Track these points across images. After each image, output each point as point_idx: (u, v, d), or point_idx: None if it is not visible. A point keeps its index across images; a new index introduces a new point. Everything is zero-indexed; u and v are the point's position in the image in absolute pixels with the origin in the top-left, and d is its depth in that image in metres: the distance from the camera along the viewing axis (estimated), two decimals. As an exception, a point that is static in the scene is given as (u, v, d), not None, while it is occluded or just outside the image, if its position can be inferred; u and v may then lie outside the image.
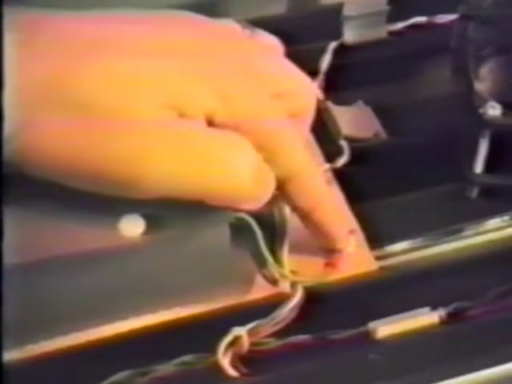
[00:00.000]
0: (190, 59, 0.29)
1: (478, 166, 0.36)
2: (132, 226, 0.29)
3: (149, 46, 0.29)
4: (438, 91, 0.41)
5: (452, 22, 0.44)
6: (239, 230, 0.34)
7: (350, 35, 0.45)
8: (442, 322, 0.31)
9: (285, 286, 0.33)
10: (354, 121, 0.40)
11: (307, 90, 0.33)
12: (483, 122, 0.36)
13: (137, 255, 0.30)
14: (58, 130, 0.27)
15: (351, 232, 0.34)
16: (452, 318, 0.32)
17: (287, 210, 0.35)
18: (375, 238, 0.34)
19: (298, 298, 0.32)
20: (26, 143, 0.27)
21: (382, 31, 0.45)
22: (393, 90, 0.42)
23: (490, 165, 0.36)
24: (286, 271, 0.33)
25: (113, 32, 0.29)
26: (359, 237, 0.34)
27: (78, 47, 0.28)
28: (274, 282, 0.33)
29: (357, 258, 0.34)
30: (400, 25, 0.45)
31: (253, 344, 0.31)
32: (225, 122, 0.29)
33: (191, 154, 0.28)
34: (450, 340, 0.31)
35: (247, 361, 0.30)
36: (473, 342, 0.31)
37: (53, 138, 0.27)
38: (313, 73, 0.42)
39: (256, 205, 0.31)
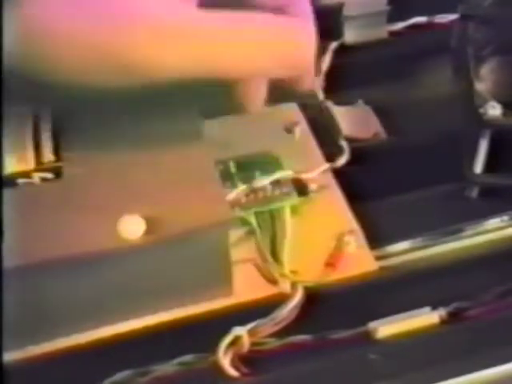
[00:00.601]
0: None
1: (478, 166, 0.36)
2: (132, 227, 0.29)
3: None
4: (438, 91, 0.41)
5: (452, 22, 0.44)
6: (239, 230, 0.34)
7: (350, 35, 0.45)
8: (443, 322, 0.31)
9: (285, 286, 0.33)
10: (354, 121, 0.40)
11: None
12: (483, 122, 0.36)
13: (137, 256, 0.30)
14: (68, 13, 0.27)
15: (351, 232, 0.34)
16: (452, 317, 0.32)
17: (287, 210, 0.35)
18: (375, 238, 0.34)
19: (298, 297, 0.32)
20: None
21: (382, 31, 0.45)
22: (393, 90, 0.42)
23: (490, 165, 0.36)
24: (286, 271, 0.33)
25: None
26: (359, 237, 0.34)
27: None
28: (274, 281, 0.33)
29: (357, 258, 0.34)
30: (400, 25, 0.45)
31: (253, 344, 0.31)
32: None
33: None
34: (450, 340, 0.31)
35: (247, 361, 0.30)
36: (473, 342, 0.31)
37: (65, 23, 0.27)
38: (313, 73, 0.42)
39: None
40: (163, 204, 0.30)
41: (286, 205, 0.35)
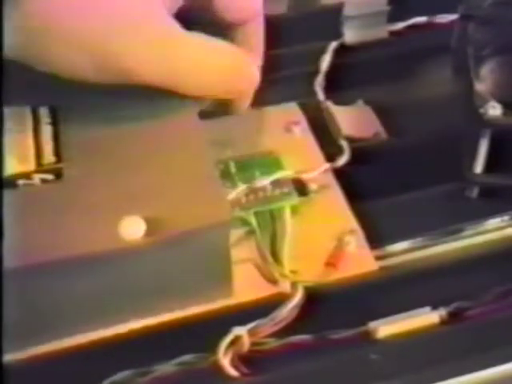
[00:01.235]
0: None
1: (478, 166, 0.36)
2: (133, 229, 0.29)
3: None
4: (438, 91, 0.41)
5: (452, 21, 0.44)
6: (239, 230, 0.34)
7: (350, 35, 0.45)
8: (443, 322, 0.31)
9: (285, 286, 0.33)
10: (354, 121, 0.40)
11: None
12: (483, 122, 0.36)
13: (137, 257, 0.30)
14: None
15: (351, 232, 0.34)
16: (452, 317, 0.32)
17: (287, 210, 0.35)
18: (375, 238, 0.34)
19: (298, 297, 0.32)
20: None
21: (382, 31, 0.45)
22: (393, 90, 0.42)
23: (490, 165, 0.36)
24: (286, 271, 0.33)
25: None
26: (359, 237, 0.35)
27: None
28: (274, 281, 0.33)
29: (357, 258, 0.34)
30: (400, 25, 0.45)
31: (253, 344, 0.31)
32: None
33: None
34: (450, 340, 0.31)
35: (247, 361, 0.30)
36: (473, 342, 0.31)
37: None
38: (313, 73, 0.42)
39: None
40: (163, 205, 0.30)
41: (286, 205, 0.35)
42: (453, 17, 0.44)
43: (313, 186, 0.37)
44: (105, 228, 0.29)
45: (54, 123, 0.32)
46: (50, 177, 0.31)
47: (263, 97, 0.35)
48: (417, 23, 0.45)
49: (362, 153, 0.38)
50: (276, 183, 0.36)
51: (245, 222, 0.35)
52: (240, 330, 0.31)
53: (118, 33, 0.30)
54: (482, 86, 0.37)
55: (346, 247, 0.34)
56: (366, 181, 0.37)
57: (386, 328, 0.31)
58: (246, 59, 0.33)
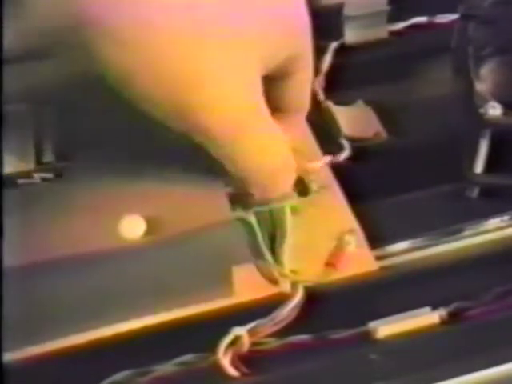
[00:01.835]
0: None
1: (478, 166, 0.36)
2: (133, 228, 0.29)
3: None
4: (438, 91, 0.41)
5: (452, 21, 0.44)
6: (239, 230, 0.34)
7: (350, 35, 0.45)
8: (443, 322, 0.31)
9: (285, 286, 0.33)
10: (354, 121, 0.40)
11: None
12: (484, 122, 0.36)
13: (137, 256, 0.30)
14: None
15: (351, 232, 0.34)
16: (452, 317, 0.32)
17: (287, 210, 0.35)
18: (375, 238, 0.34)
19: (298, 297, 0.32)
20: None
21: (382, 31, 0.45)
22: (393, 90, 0.42)
23: (490, 165, 0.36)
24: (286, 271, 0.33)
25: None
26: (359, 237, 0.34)
27: None
28: (274, 281, 0.33)
29: (357, 258, 0.34)
30: (400, 25, 0.45)
31: (253, 344, 0.31)
32: None
33: None
34: (450, 340, 0.31)
35: (247, 361, 0.30)
36: (473, 342, 0.31)
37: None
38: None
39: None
40: (163, 204, 0.30)
41: (286, 205, 0.35)
42: (453, 17, 0.44)
43: (313, 186, 0.37)
44: (105, 227, 0.29)
45: (55, 122, 0.32)
46: (50, 175, 0.31)
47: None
48: (417, 23, 0.45)
49: (362, 153, 0.38)
50: (276, 183, 0.36)
51: (245, 222, 0.35)
52: (240, 330, 0.31)
53: (215, 90, 0.29)
54: (482, 86, 0.37)
55: (346, 247, 0.34)
56: (366, 181, 0.37)
57: (385, 328, 0.31)
58: (293, 165, 0.34)
